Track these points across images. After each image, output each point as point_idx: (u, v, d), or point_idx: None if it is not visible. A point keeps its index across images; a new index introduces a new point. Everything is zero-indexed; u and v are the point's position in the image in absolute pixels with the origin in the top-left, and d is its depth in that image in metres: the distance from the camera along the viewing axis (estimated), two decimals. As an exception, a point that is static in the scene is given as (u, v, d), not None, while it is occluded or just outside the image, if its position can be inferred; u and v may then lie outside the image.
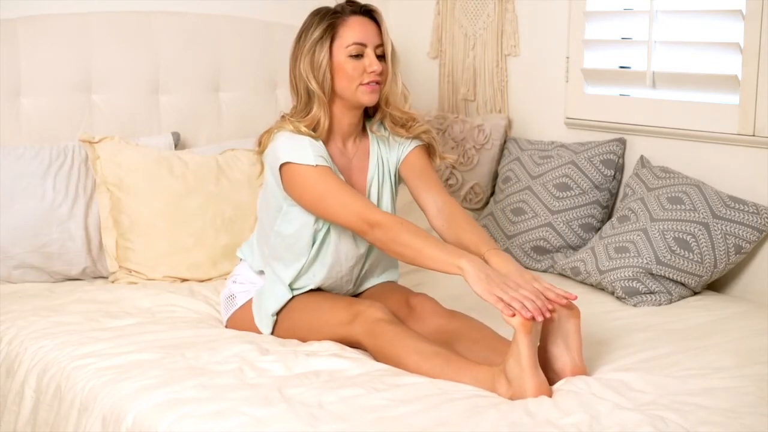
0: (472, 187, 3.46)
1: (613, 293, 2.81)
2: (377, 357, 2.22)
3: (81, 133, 3.10)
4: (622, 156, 3.15)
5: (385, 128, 2.47)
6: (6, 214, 2.90)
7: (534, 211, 3.15)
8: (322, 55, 2.35)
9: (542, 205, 3.13)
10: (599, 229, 3.08)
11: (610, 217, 3.16)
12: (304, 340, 2.37)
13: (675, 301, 2.77)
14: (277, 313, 2.44)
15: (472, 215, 2.90)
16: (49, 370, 2.27)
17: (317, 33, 2.36)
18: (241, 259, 2.61)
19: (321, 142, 2.37)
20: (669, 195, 2.86)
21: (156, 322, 2.54)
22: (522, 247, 3.16)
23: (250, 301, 2.49)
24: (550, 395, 1.98)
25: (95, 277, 3.04)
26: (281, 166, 2.33)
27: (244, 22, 3.51)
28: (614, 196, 3.16)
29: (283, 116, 2.44)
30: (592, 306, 2.64)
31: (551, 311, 2.02)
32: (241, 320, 2.49)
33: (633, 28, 3.14)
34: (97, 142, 3.02)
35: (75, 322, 2.52)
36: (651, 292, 2.76)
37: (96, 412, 2.05)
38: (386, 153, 2.49)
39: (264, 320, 2.44)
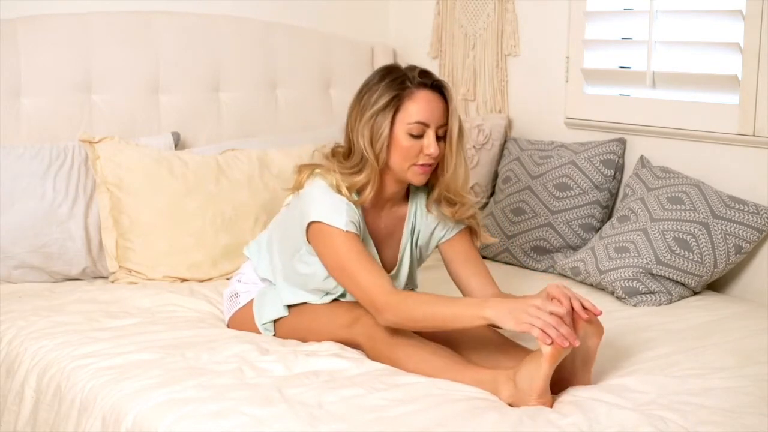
0: (472, 187, 3.46)
1: (613, 293, 2.81)
2: (377, 360, 2.21)
3: (81, 133, 3.09)
4: (622, 156, 3.15)
5: (435, 207, 2.38)
6: (6, 214, 2.90)
7: (534, 211, 3.15)
8: (384, 127, 2.22)
9: (542, 205, 3.13)
10: (599, 229, 3.08)
11: (610, 217, 3.16)
12: (303, 341, 2.36)
13: (675, 301, 2.77)
14: (276, 319, 2.44)
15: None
16: (49, 370, 2.27)
17: (382, 101, 2.22)
18: (247, 258, 2.59)
19: (358, 208, 2.28)
20: (669, 195, 2.86)
21: (156, 322, 2.54)
22: (522, 247, 3.16)
23: (252, 302, 2.48)
24: (551, 406, 1.97)
25: (95, 277, 3.04)
26: (310, 222, 2.24)
27: (244, 22, 3.51)
28: (614, 196, 3.16)
29: (327, 156, 2.32)
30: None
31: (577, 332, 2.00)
32: (242, 319, 2.48)
33: (633, 28, 3.14)
34: (97, 142, 3.02)
35: (75, 322, 2.52)
36: (651, 292, 2.76)
37: (96, 412, 2.05)
38: (423, 223, 2.41)
39: (262, 325, 2.44)
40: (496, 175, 3.43)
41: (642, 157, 3.07)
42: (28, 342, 2.41)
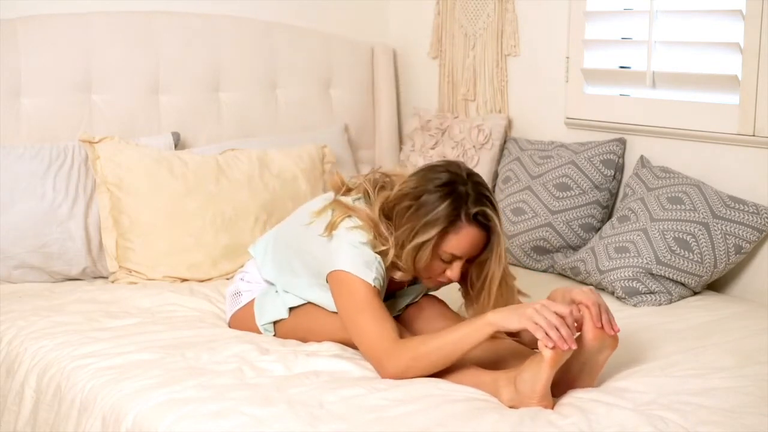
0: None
1: (613, 293, 2.81)
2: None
3: (81, 133, 3.10)
4: (622, 156, 3.15)
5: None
6: (6, 214, 2.90)
7: (534, 211, 3.15)
8: (426, 254, 2.16)
9: (542, 205, 3.13)
10: (599, 229, 3.08)
11: (610, 217, 3.16)
12: (304, 341, 2.36)
13: (675, 301, 2.77)
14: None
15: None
16: (49, 370, 2.27)
17: (433, 231, 2.14)
18: (252, 256, 2.58)
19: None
20: (669, 195, 2.86)
21: (156, 322, 2.54)
22: (522, 247, 3.16)
23: (253, 301, 2.48)
24: (552, 408, 1.97)
25: (95, 277, 3.05)
26: (337, 269, 2.20)
27: (244, 22, 3.51)
28: (614, 196, 3.16)
29: (366, 194, 2.27)
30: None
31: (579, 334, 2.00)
32: (243, 318, 2.48)
33: (633, 28, 3.14)
34: (97, 142, 3.02)
35: (75, 322, 2.52)
36: (651, 292, 2.76)
37: (96, 412, 2.05)
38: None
39: (262, 325, 2.44)
40: (496, 175, 3.43)
41: (642, 157, 3.07)
42: (28, 342, 2.41)
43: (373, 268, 2.19)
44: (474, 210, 2.15)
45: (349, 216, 2.24)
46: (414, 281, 2.39)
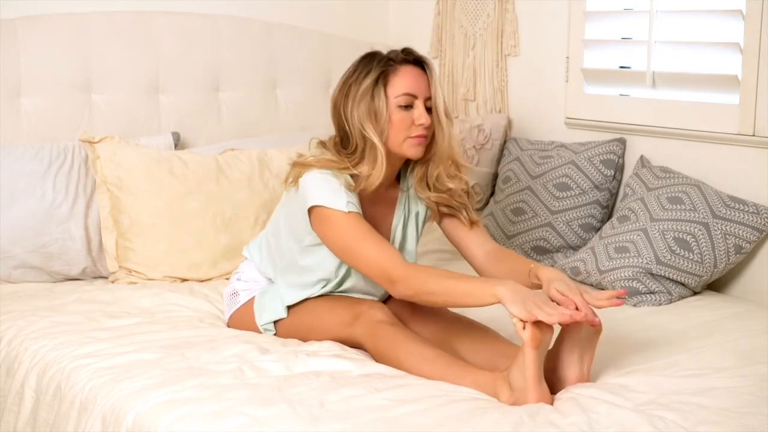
0: (472, 187, 3.45)
1: (613, 293, 2.81)
2: (378, 358, 2.22)
3: (81, 133, 3.10)
4: (622, 156, 3.15)
5: (422, 200, 2.43)
6: (6, 214, 2.90)
7: (534, 211, 3.15)
8: (381, 102, 2.27)
9: (542, 205, 3.13)
10: (599, 229, 3.09)
11: (610, 217, 3.16)
12: (304, 340, 2.36)
13: (675, 301, 2.77)
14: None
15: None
16: (49, 370, 2.27)
17: (369, 80, 2.28)
18: (246, 257, 2.60)
19: (354, 193, 2.30)
20: (669, 195, 2.86)
21: (156, 322, 2.54)
22: (522, 247, 3.16)
23: (252, 300, 2.49)
24: (551, 404, 1.97)
25: (95, 277, 3.04)
26: (311, 208, 2.28)
27: (244, 22, 3.51)
28: (614, 196, 3.16)
29: (323, 151, 2.35)
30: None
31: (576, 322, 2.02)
32: (242, 318, 2.49)
33: (633, 28, 3.14)
34: (97, 142, 3.02)
35: (75, 322, 2.52)
36: (651, 292, 2.76)
37: (96, 412, 2.05)
38: (414, 203, 2.45)
39: (262, 325, 2.45)
40: (496, 175, 3.43)
41: (642, 157, 3.07)
42: (28, 342, 2.41)
43: (341, 193, 2.25)
44: (398, 50, 2.31)
45: (307, 170, 2.31)
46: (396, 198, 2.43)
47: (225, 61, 3.45)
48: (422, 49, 3.77)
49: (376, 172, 2.29)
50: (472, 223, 2.43)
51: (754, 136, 2.81)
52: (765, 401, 1.97)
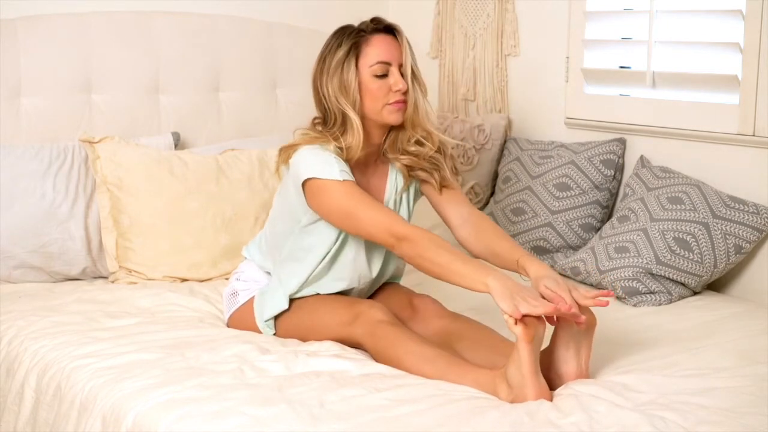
0: (472, 187, 3.46)
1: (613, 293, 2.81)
2: (377, 358, 2.22)
3: (81, 133, 3.10)
4: (622, 156, 3.15)
5: (401, 173, 2.45)
6: (6, 214, 2.90)
7: (534, 211, 3.15)
8: (350, 74, 2.33)
9: (542, 205, 3.13)
10: (599, 229, 3.08)
11: (610, 217, 3.16)
12: (304, 340, 2.37)
13: (675, 301, 2.77)
14: (276, 315, 2.44)
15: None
16: (49, 370, 2.27)
17: (341, 52, 2.34)
18: (245, 258, 2.60)
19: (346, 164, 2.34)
20: (669, 195, 2.86)
21: (156, 322, 2.54)
22: (522, 247, 3.15)
23: (251, 300, 2.49)
24: (550, 400, 1.97)
25: (95, 277, 3.04)
26: (305, 181, 2.30)
27: (244, 22, 3.51)
28: (614, 196, 3.16)
29: (306, 131, 2.39)
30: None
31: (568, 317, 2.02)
32: (242, 318, 2.49)
33: (633, 28, 3.14)
34: (97, 142, 3.02)
35: (75, 322, 2.52)
36: (651, 292, 2.76)
37: (96, 412, 2.05)
38: (402, 178, 2.47)
39: (263, 324, 2.45)
40: (496, 175, 3.43)
41: (642, 157, 3.07)
42: (28, 342, 2.41)
43: (333, 163, 2.28)
44: (368, 21, 2.36)
45: (295, 150, 2.34)
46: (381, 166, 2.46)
47: (225, 61, 3.45)
48: (422, 50, 3.80)
49: (355, 143, 2.32)
50: (442, 187, 2.44)
51: (754, 136, 2.81)
52: (765, 401, 1.97)
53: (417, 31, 3.81)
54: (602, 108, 3.24)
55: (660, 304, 2.75)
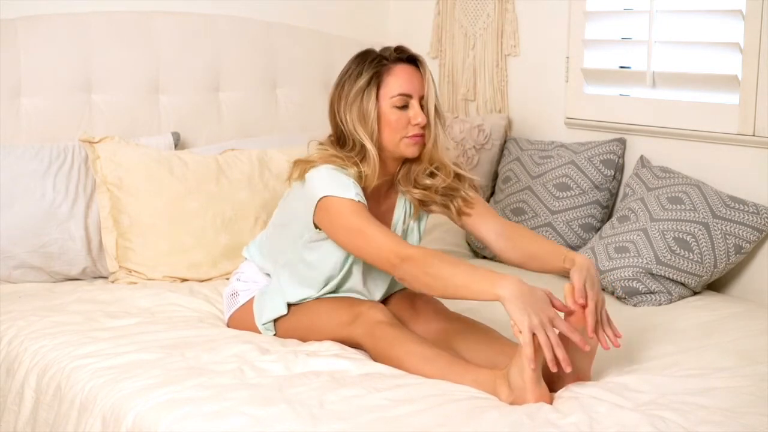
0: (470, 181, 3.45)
1: (613, 293, 2.81)
2: (377, 359, 2.22)
3: (81, 133, 3.10)
4: (622, 156, 3.15)
5: (411, 205, 2.42)
6: (6, 214, 2.90)
7: (534, 211, 3.15)
8: (370, 105, 2.28)
9: (542, 205, 3.13)
10: (599, 229, 3.09)
11: (610, 217, 3.16)
12: (304, 340, 2.36)
13: (675, 301, 2.77)
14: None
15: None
16: (49, 370, 2.27)
17: (362, 81, 2.29)
18: (245, 258, 2.60)
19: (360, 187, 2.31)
20: (669, 195, 2.86)
21: (156, 322, 2.54)
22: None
23: (251, 300, 2.49)
24: (550, 403, 1.97)
25: (95, 277, 3.04)
26: (319, 200, 2.25)
27: (244, 22, 3.51)
28: (614, 196, 3.16)
29: (323, 147, 2.35)
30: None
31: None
32: (242, 318, 2.49)
33: (633, 28, 3.14)
34: (97, 142, 3.02)
35: (75, 322, 2.52)
36: (651, 292, 2.76)
37: (96, 412, 2.05)
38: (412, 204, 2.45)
39: (263, 324, 2.45)
40: (496, 175, 3.43)
41: (642, 157, 3.07)
42: (28, 342, 2.41)
43: (350, 186, 2.25)
44: (391, 49, 2.31)
45: (313, 166, 2.30)
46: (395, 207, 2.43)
47: (225, 61, 3.45)
48: (422, 49, 3.79)
49: (371, 173, 2.29)
50: (464, 209, 2.40)
51: (754, 136, 2.81)
52: (765, 401, 1.97)
53: (417, 31, 3.82)
54: (602, 108, 3.24)
55: (660, 304, 2.75)
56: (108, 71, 3.24)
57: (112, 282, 2.96)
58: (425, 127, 2.31)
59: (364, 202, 2.26)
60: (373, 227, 2.20)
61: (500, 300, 1.98)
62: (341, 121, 2.32)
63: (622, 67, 3.22)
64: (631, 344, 2.33)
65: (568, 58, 3.31)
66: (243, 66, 3.48)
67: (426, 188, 2.38)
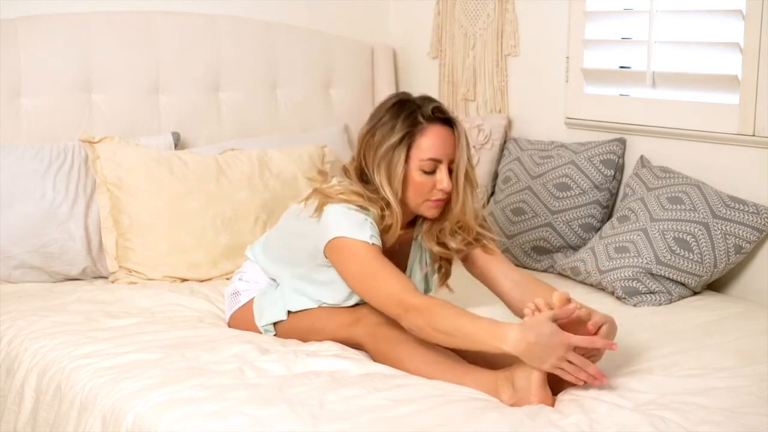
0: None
1: (613, 293, 2.81)
2: (378, 359, 2.21)
3: (81, 133, 3.10)
4: (622, 156, 3.15)
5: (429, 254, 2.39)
6: (6, 214, 2.90)
7: (534, 211, 3.15)
8: (399, 167, 2.22)
9: (542, 205, 3.13)
10: (599, 229, 3.08)
11: (610, 217, 3.16)
12: (305, 341, 2.36)
13: (675, 301, 2.77)
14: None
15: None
16: (49, 370, 2.27)
17: (394, 138, 2.21)
18: (248, 258, 2.59)
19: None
20: (669, 195, 2.86)
21: (156, 322, 2.54)
22: (522, 247, 3.16)
23: (252, 300, 2.49)
24: (552, 405, 1.97)
25: (95, 277, 3.04)
26: (332, 238, 2.22)
27: (244, 22, 3.51)
28: (614, 196, 3.16)
29: (349, 183, 2.29)
30: (592, 306, 2.62)
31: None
32: (243, 318, 2.49)
33: (633, 28, 3.14)
34: (97, 142, 3.02)
35: (75, 322, 2.52)
36: (651, 292, 2.76)
37: (96, 412, 2.05)
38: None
39: (262, 326, 2.44)
40: (496, 175, 3.43)
41: (642, 157, 3.07)
42: (28, 342, 2.41)
43: (366, 227, 2.21)
44: (429, 107, 2.23)
45: (331, 201, 2.26)
46: (411, 248, 2.40)
47: (225, 61, 3.45)
48: (422, 49, 3.80)
49: (393, 226, 2.26)
50: (477, 260, 2.36)
51: (754, 136, 2.81)
52: (765, 401, 1.97)
53: (417, 31, 3.82)
54: (602, 108, 3.24)
55: (660, 304, 2.75)
56: (108, 71, 3.25)
57: (112, 282, 2.96)
58: (449, 191, 2.26)
59: (379, 244, 2.22)
60: (383, 273, 2.17)
61: (512, 352, 1.96)
62: (368, 169, 2.27)
63: (622, 67, 3.22)
64: (631, 344, 2.33)
65: (568, 58, 3.31)
66: (243, 66, 3.49)
67: (447, 248, 2.36)
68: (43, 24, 3.17)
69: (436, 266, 2.46)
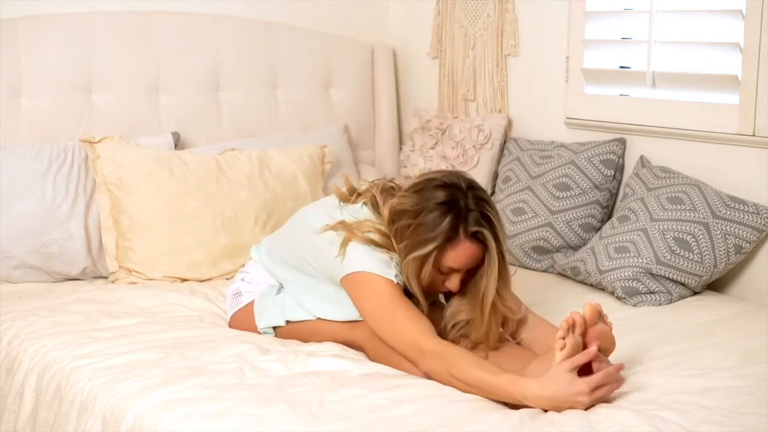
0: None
1: (613, 293, 2.81)
2: (378, 363, 2.21)
3: (81, 133, 3.10)
4: (622, 156, 3.15)
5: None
6: (6, 214, 2.90)
7: (534, 211, 3.15)
8: (426, 272, 2.16)
9: (542, 205, 3.13)
10: (599, 229, 3.08)
11: (610, 217, 3.16)
12: (305, 341, 2.36)
13: (675, 301, 2.77)
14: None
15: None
16: (49, 370, 2.27)
17: (430, 247, 2.14)
18: (252, 258, 2.58)
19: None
20: (669, 195, 2.86)
21: (156, 322, 2.54)
22: (522, 247, 3.16)
23: (253, 302, 2.48)
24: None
25: (95, 277, 3.05)
26: (354, 272, 2.20)
27: (244, 22, 3.51)
28: (614, 196, 3.16)
29: (380, 227, 2.23)
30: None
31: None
32: (244, 319, 2.48)
33: (633, 28, 3.14)
34: (97, 142, 3.02)
35: (75, 322, 2.52)
36: (651, 292, 2.76)
37: (96, 412, 2.05)
38: None
39: (261, 328, 2.44)
40: (496, 175, 3.43)
41: (642, 157, 3.07)
42: (28, 342, 2.41)
43: (391, 266, 2.20)
44: (473, 229, 2.14)
45: (355, 239, 2.22)
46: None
47: (225, 61, 3.45)
48: (422, 49, 3.80)
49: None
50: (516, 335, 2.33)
51: (754, 136, 2.81)
52: (765, 401, 1.97)
53: (417, 31, 3.82)
54: (602, 108, 3.24)
55: (660, 304, 2.75)
56: (108, 71, 3.25)
57: (112, 282, 2.96)
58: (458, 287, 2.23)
59: (401, 282, 2.20)
60: (402, 314, 2.14)
61: (531, 403, 1.94)
62: (398, 239, 2.20)
63: (622, 67, 3.22)
64: (632, 344, 2.33)
65: (568, 58, 3.31)
66: (243, 66, 3.49)
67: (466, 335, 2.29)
68: (43, 24, 3.17)
69: None
